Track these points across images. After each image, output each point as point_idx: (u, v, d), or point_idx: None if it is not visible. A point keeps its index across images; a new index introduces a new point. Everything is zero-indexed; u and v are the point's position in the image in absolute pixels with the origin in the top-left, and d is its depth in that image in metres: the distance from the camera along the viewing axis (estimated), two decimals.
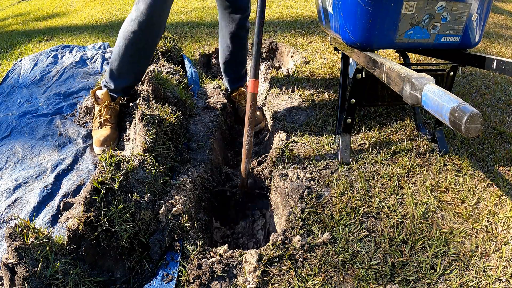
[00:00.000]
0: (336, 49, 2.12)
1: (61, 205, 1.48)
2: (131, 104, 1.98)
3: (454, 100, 0.82)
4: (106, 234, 1.20)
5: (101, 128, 1.85)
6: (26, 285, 0.98)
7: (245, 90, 2.26)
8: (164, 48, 2.49)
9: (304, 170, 1.55)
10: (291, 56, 2.84)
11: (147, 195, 1.30)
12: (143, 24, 1.68)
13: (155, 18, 1.68)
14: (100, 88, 1.93)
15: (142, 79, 1.94)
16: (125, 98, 2.02)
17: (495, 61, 1.28)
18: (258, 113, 2.15)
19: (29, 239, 1.06)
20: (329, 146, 1.71)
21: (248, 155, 1.55)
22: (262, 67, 2.69)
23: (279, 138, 1.80)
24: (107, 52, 3.04)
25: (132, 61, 1.80)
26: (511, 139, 1.78)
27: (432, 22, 1.36)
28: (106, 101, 1.88)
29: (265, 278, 1.13)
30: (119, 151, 1.45)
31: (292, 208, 1.37)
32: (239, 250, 1.22)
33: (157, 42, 1.83)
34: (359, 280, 1.13)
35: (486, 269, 1.18)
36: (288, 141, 1.75)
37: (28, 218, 1.46)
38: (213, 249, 1.23)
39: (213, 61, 3.08)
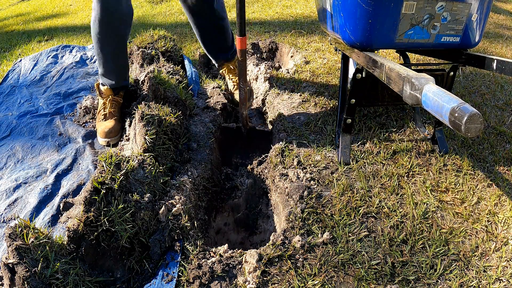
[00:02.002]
0: (336, 49, 2.12)
1: (61, 205, 1.48)
2: (131, 104, 1.98)
3: (454, 100, 0.82)
4: (106, 234, 1.20)
5: (105, 120, 1.88)
6: (26, 285, 0.98)
7: (232, 67, 2.33)
8: (164, 48, 2.49)
9: (304, 170, 1.55)
10: (291, 56, 2.84)
11: (147, 195, 1.30)
12: (103, 20, 1.68)
13: (110, 8, 1.66)
14: None
15: (140, 77, 1.96)
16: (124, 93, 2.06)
17: (495, 61, 1.28)
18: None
19: (29, 239, 1.06)
20: (329, 146, 1.71)
21: (244, 101, 1.85)
22: (262, 67, 2.69)
23: (279, 138, 1.80)
24: None
25: (112, 59, 1.84)
26: (511, 139, 1.78)
27: (432, 22, 1.36)
28: (109, 95, 1.92)
29: (265, 278, 1.13)
30: (119, 151, 1.45)
31: (292, 208, 1.37)
32: (239, 250, 1.22)
33: (128, 31, 1.83)
34: (359, 280, 1.13)
35: (486, 269, 1.18)
36: (288, 141, 1.75)
37: (28, 218, 1.46)
38: (213, 249, 1.23)
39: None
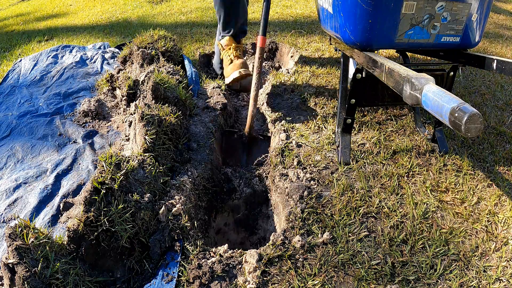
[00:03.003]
0: (336, 49, 2.12)
1: (61, 205, 1.49)
2: (131, 103, 1.98)
3: (454, 100, 0.82)
4: (106, 234, 1.20)
5: (233, 62, 2.14)
6: (26, 285, 0.98)
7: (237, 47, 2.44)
8: (164, 48, 2.49)
9: (304, 170, 1.55)
10: (291, 56, 2.84)
11: (147, 195, 1.30)
12: None
13: None
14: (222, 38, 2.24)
15: (140, 77, 1.99)
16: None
17: (495, 61, 1.28)
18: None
19: (29, 239, 1.06)
20: (329, 146, 1.71)
21: (255, 101, 1.85)
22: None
23: (279, 138, 1.80)
24: (107, 52, 3.04)
25: (230, 9, 2.14)
26: (511, 139, 1.78)
27: (432, 22, 1.36)
28: (232, 44, 2.19)
29: (265, 278, 1.13)
30: (119, 151, 1.45)
31: (292, 208, 1.37)
32: (239, 250, 1.22)
33: None
34: (359, 280, 1.13)
35: (486, 269, 1.18)
36: (288, 141, 1.75)
37: (28, 218, 1.47)
38: (213, 249, 1.23)
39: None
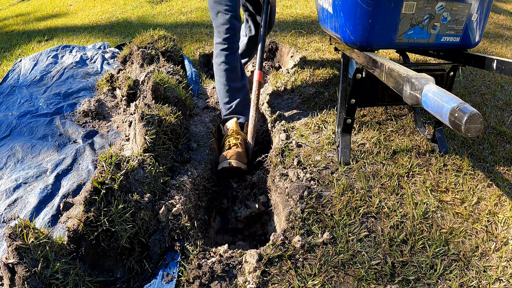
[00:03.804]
0: (336, 49, 2.12)
1: (61, 205, 1.48)
2: (131, 103, 1.98)
3: (454, 100, 0.82)
4: (106, 234, 1.20)
5: (231, 148, 1.86)
6: (26, 285, 0.98)
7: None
8: (164, 48, 2.49)
9: (304, 170, 1.55)
10: (291, 56, 2.84)
11: (147, 195, 1.30)
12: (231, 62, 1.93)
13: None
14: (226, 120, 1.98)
15: (140, 77, 1.97)
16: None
17: (495, 61, 1.28)
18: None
19: (29, 239, 1.06)
20: (329, 146, 1.71)
21: (254, 129, 1.87)
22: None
23: (279, 138, 1.80)
24: (107, 52, 3.04)
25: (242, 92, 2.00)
26: (511, 139, 1.78)
27: (432, 22, 1.36)
28: (234, 130, 1.90)
29: (265, 278, 1.13)
30: (119, 151, 1.45)
31: (292, 208, 1.37)
32: (239, 250, 1.22)
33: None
34: (359, 280, 1.13)
35: (486, 269, 1.18)
36: (288, 141, 1.75)
37: (28, 218, 1.46)
38: (213, 249, 1.23)
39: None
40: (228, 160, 1.73)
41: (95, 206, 1.19)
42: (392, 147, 1.69)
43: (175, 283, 1.13)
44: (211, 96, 2.22)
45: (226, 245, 1.24)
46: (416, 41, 1.40)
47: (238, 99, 1.97)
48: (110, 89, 2.41)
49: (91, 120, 2.12)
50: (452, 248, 1.23)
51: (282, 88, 2.27)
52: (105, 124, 2.11)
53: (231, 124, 1.92)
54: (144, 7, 4.73)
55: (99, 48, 3.16)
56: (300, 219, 1.32)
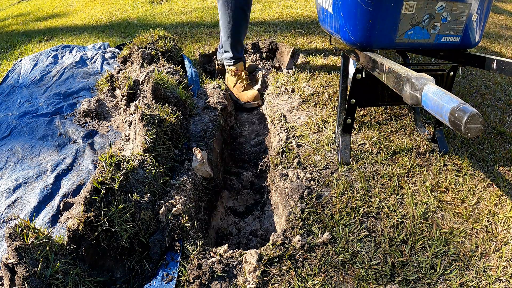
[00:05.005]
0: (336, 49, 2.12)
1: (61, 205, 1.48)
2: (131, 103, 1.98)
3: (454, 100, 0.82)
4: (106, 234, 1.20)
5: (245, 90, 2.43)
6: (26, 285, 0.98)
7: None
8: (164, 48, 2.49)
9: (304, 170, 1.55)
10: (291, 56, 2.84)
11: (147, 195, 1.30)
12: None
13: None
14: (230, 64, 2.44)
15: (140, 77, 2.03)
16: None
17: (495, 61, 1.28)
18: None
19: (29, 239, 1.06)
20: (329, 146, 1.71)
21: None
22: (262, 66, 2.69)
23: (279, 138, 1.80)
24: (107, 52, 3.04)
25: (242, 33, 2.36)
26: (511, 139, 1.78)
27: (432, 22, 1.36)
28: (243, 71, 2.43)
29: (265, 278, 1.13)
30: (119, 151, 1.45)
31: (292, 208, 1.37)
32: (239, 250, 1.22)
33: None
34: (359, 280, 1.13)
35: (486, 269, 1.18)
36: (288, 141, 1.75)
37: (28, 218, 1.47)
38: (213, 249, 1.23)
39: (214, 61, 3.08)
40: (256, 101, 2.39)
41: (95, 206, 1.19)
42: (392, 147, 1.69)
43: (175, 283, 1.13)
44: (211, 96, 2.22)
45: (226, 245, 1.24)
46: (416, 41, 1.40)
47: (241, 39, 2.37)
48: (110, 89, 2.41)
49: (91, 120, 2.12)
50: (452, 248, 1.23)
51: (282, 88, 2.27)
52: (105, 124, 2.11)
53: (241, 66, 2.43)
54: (144, 7, 4.73)
55: (99, 48, 3.16)
56: (300, 219, 1.32)
